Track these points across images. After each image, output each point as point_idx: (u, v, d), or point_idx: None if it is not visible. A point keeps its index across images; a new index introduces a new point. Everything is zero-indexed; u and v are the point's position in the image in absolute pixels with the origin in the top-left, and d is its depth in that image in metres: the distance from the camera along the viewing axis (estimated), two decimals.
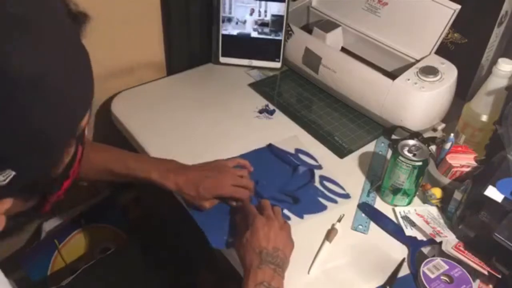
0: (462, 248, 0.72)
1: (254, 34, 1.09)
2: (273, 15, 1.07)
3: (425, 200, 0.82)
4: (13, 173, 0.36)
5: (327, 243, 0.73)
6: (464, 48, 0.96)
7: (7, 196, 0.39)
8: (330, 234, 0.74)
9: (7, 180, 0.36)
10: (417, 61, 0.95)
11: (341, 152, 0.92)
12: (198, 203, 0.77)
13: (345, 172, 0.88)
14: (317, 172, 0.86)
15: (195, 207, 0.78)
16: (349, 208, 0.79)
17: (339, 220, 0.77)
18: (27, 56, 0.35)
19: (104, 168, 0.78)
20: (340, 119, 1.00)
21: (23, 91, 0.35)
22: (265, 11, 1.07)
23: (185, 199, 0.78)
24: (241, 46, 1.11)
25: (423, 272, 0.68)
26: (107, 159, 0.78)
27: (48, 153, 0.39)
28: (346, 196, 0.82)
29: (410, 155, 0.76)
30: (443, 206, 0.80)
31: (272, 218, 0.71)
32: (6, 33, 0.34)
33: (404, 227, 0.77)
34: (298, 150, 0.90)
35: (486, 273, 0.68)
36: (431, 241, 0.75)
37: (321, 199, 0.81)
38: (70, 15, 0.42)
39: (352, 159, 0.91)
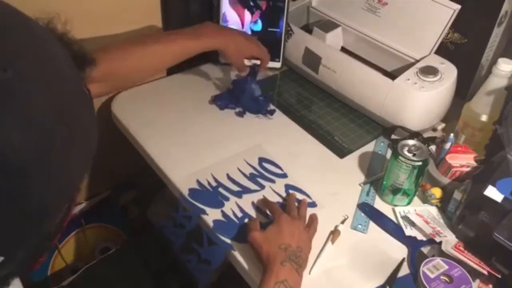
0: (462, 248, 0.72)
1: (254, 34, 1.09)
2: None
3: (425, 200, 0.82)
4: (1, 258, 0.33)
5: (329, 244, 0.73)
6: (464, 48, 0.96)
7: None
8: (333, 235, 0.74)
9: None
10: (417, 61, 0.95)
11: (341, 152, 0.92)
12: (234, 60, 0.96)
13: (345, 172, 0.88)
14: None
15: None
16: (349, 208, 0.79)
17: (342, 222, 0.77)
18: (12, 133, 0.30)
19: (160, 63, 0.90)
20: (340, 119, 1.00)
21: (16, 180, 0.31)
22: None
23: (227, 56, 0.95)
24: None
25: (423, 272, 0.68)
26: (164, 56, 0.88)
27: (44, 230, 0.36)
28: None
29: (410, 155, 0.76)
30: (443, 206, 0.80)
31: (298, 218, 0.72)
32: None
33: (404, 227, 0.77)
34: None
35: (485, 273, 0.68)
36: (431, 241, 0.75)
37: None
38: (75, 60, 0.39)
39: (352, 159, 0.91)
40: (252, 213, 0.78)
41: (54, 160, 0.34)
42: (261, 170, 0.86)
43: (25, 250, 0.36)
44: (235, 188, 0.82)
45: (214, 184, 0.82)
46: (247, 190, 0.82)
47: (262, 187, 0.83)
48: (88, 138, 0.39)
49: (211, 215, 0.77)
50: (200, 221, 0.77)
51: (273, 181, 0.84)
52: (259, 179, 0.84)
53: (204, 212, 0.77)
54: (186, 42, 0.88)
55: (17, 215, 0.33)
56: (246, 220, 0.76)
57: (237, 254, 0.72)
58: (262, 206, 0.79)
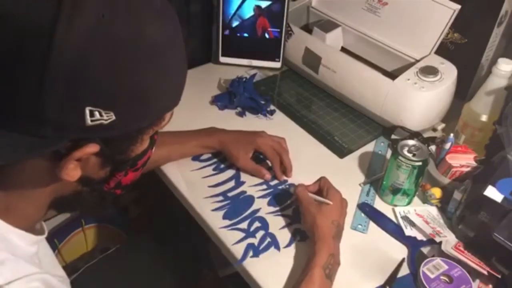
0: (461, 248, 0.72)
1: (254, 34, 1.10)
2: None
3: (425, 200, 0.82)
4: (114, 117, 0.41)
5: None
6: (464, 48, 0.96)
7: (98, 140, 0.43)
8: None
9: (108, 121, 0.41)
10: (417, 61, 0.95)
11: (341, 152, 0.92)
12: (234, 155, 0.83)
13: (345, 172, 0.88)
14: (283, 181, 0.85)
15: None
16: (349, 208, 0.79)
17: None
18: (157, 28, 0.43)
19: (166, 159, 0.86)
20: (340, 119, 1.00)
21: (148, 55, 0.42)
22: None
23: (225, 154, 0.85)
24: (241, 46, 1.11)
25: (423, 272, 0.68)
26: (169, 153, 0.85)
27: (144, 115, 0.45)
28: None
29: (410, 155, 0.76)
30: (442, 206, 0.80)
31: (344, 198, 0.75)
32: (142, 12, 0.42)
33: (403, 227, 0.77)
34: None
35: (485, 273, 0.68)
36: (430, 241, 0.75)
37: None
38: None
39: (352, 159, 0.91)
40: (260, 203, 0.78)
41: (176, 54, 0.46)
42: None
43: (127, 124, 0.44)
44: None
45: None
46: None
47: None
48: (185, 70, 0.50)
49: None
50: None
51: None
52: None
53: None
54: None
55: (137, 81, 0.42)
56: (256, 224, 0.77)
57: (308, 221, 0.72)
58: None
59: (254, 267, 0.70)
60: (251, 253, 0.72)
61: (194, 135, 0.86)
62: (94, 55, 0.38)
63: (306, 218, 0.72)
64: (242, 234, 0.75)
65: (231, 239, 0.74)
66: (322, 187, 0.76)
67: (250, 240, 0.74)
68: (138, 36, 0.41)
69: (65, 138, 0.41)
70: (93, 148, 0.43)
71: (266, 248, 0.73)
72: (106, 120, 0.41)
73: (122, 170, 0.50)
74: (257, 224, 0.76)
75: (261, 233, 0.75)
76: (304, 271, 0.65)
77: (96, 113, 0.40)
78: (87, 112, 0.40)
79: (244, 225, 0.76)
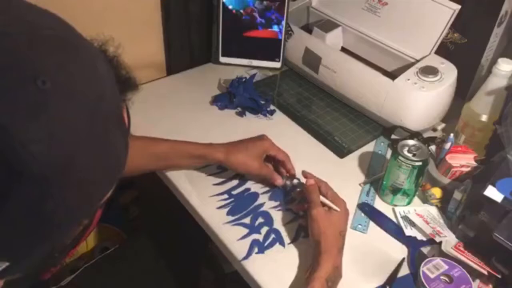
0: (461, 248, 0.72)
1: (254, 34, 1.10)
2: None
3: (425, 200, 0.82)
4: (7, 263, 0.33)
5: None
6: (464, 48, 0.96)
7: None
8: None
9: (1, 269, 0.33)
10: (417, 61, 0.95)
11: (341, 152, 0.92)
12: (249, 164, 0.78)
13: (345, 172, 0.88)
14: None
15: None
16: (349, 208, 0.79)
17: None
18: (42, 145, 0.31)
19: (165, 162, 0.82)
20: (340, 119, 1.00)
21: (33, 186, 0.31)
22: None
23: (235, 166, 0.79)
24: (241, 46, 1.11)
25: (423, 272, 0.68)
26: (170, 154, 0.80)
27: (57, 239, 0.36)
28: None
29: (410, 155, 0.76)
30: (443, 206, 0.80)
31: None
32: (31, 115, 0.30)
33: (403, 227, 0.77)
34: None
35: (485, 273, 0.68)
36: (431, 241, 0.75)
37: None
38: (119, 80, 0.39)
39: (352, 159, 0.91)
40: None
41: (74, 175, 0.33)
42: None
43: (31, 259, 0.35)
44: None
45: None
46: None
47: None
48: (116, 160, 0.38)
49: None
50: None
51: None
52: None
53: None
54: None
55: (29, 222, 0.32)
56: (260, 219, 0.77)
57: (316, 230, 0.71)
58: (314, 189, 0.76)
59: (256, 265, 0.70)
60: (256, 250, 0.72)
61: (194, 148, 0.80)
62: None
63: (314, 224, 0.70)
64: (246, 230, 0.75)
65: (236, 235, 0.74)
66: (325, 193, 0.74)
67: (254, 236, 0.74)
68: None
69: None
70: None
71: (271, 244, 0.73)
72: None
73: (55, 265, 0.43)
74: (260, 219, 0.77)
75: (265, 229, 0.75)
76: (306, 281, 0.64)
77: None
78: None
79: (247, 220, 0.76)
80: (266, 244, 0.73)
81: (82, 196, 0.35)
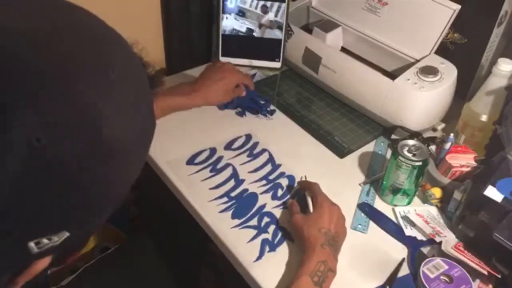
0: (461, 248, 0.72)
1: (254, 34, 1.10)
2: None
3: (425, 200, 0.82)
4: (67, 234, 0.36)
5: None
6: (464, 48, 0.96)
7: (51, 254, 0.38)
8: None
9: (60, 241, 0.36)
10: (417, 61, 0.95)
11: (341, 152, 0.92)
12: (225, 99, 0.97)
13: (345, 172, 0.88)
14: (283, 180, 0.85)
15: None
16: (349, 208, 0.79)
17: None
18: (114, 121, 0.35)
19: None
20: (340, 119, 1.00)
21: (105, 158, 0.35)
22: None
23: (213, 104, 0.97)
24: (241, 46, 1.11)
25: (423, 272, 0.68)
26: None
27: (105, 216, 0.39)
28: None
29: (410, 155, 0.76)
30: (442, 206, 0.80)
31: (336, 204, 0.75)
32: (102, 98, 0.34)
33: (403, 227, 0.77)
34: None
35: (486, 273, 0.68)
36: (430, 241, 0.75)
37: None
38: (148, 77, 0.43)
39: (352, 159, 0.91)
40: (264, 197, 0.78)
41: (131, 152, 0.38)
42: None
43: (87, 232, 0.39)
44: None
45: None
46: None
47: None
48: (148, 146, 0.42)
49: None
50: None
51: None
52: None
53: None
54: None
55: (96, 193, 0.36)
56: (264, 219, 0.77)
57: (297, 230, 0.73)
58: (302, 187, 0.81)
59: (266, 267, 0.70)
60: (267, 248, 0.72)
61: (173, 100, 0.93)
62: (31, 189, 0.32)
63: (293, 231, 0.74)
64: (254, 231, 0.75)
65: (245, 237, 0.74)
66: (312, 195, 0.77)
67: (264, 236, 0.74)
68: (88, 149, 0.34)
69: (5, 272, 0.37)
70: (45, 262, 0.38)
71: (281, 241, 0.74)
72: (57, 240, 0.35)
73: (79, 249, 0.45)
74: (266, 219, 0.77)
75: (272, 227, 0.76)
76: (291, 281, 0.64)
77: (44, 240, 0.34)
78: (31, 245, 0.34)
79: (254, 221, 0.77)
80: (275, 241, 0.74)
81: (131, 174, 0.40)
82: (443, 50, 0.96)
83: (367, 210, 0.80)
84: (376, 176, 0.86)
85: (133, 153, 0.38)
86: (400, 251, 0.74)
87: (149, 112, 0.42)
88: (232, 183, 0.83)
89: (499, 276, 0.68)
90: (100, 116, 0.33)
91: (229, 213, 0.78)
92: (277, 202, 0.80)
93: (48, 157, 0.31)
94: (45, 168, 0.32)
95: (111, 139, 0.34)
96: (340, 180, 0.85)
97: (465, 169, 0.80)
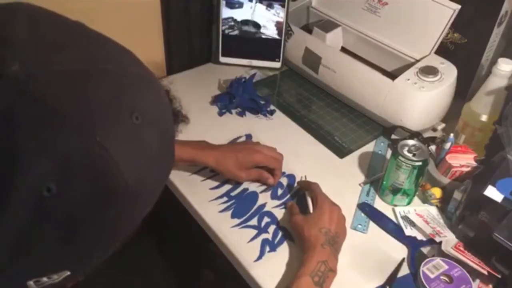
0: (461, 248, 0.72)
1: (254, 34, 1.10)
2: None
3: (425, 200, 0.82)
4: (68, 273, 0.35)
5: None
6: (464, 48, 0.96)
7: None
8: None
9: (60, 279, 0.35)
10: (417, 61, 0.95)
11: (341, 152, 0.92)
12: (236, 174, 0.79)
13: (345, 172, 0.88)
14: (283, 180, 0.85)
15: (233, 180, 0.82)
16: (349, 208, 0.79)
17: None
18: (133, 170, 0.34)
19: None
20: (340, 119, 1.00)
21: (117, 206, 0.34)
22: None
23: (223, 173, 0.80)
24: (241, 46, 1.11)
25: (423, 272, 0.68)
26: None
27: (111, 252, 0.39)
28: None
29: (410, 155, 0.76)
30: (442, 206, 0.80)
31: (336, 204, 0.75)
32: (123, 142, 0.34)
33: (403, 227, 0.77)
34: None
35: (485, 273, 0.68)
36: (430, 241, 0.75)
37: None
38: (173, 113, 0.43)
39: (352, 159, 0.91)
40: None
41: (145, 193, 0.38)
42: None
43: (89, 269, 0.39)
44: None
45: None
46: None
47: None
48: (166, 176, 0.43)
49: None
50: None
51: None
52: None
53: None
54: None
55: (103, 237, 0.36)
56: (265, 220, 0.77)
57: (297, 230, 0.73)
58: (302, 187, 0.81)
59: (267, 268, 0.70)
60: (268, 248, 0.72)
61: (185, 152, 0.80)
62: (37, 236, 0.32)
63: (294, 231, 0.74)
64: (254, 231, 0.75)
65: (245, 237, 0.74)
66: (312, 195, 0.77)
67: (264, 236, 0.74)
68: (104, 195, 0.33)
69: None
70: None
71: (281, 241, 0.74)
72: (56, 278, 0.35)
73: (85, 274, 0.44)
74: (266, 219, 0.77)
75: (272, 227, 0.76)
76: (291, 281, 0.64)
77: (44, 279, 0.34)
78: (31, 283, 0.34)
79: (254, 221, 0.77)
80: (276, 241, 0.74)
81: (143, 213, 0.39)
82: (443, 50, 0.96)
83: (367, 210, 0.80)
84: (376, 176, 0.86)
85: (147, 197, 0.38)
86: (400, 251, 0.74)
87: (170, 151, 0.41)
88: (232, 183, 0.83)
89: (499, 276, 0.68)
90: (114, 164, 0.33)
91: (229, 212, 0.78)
92: (277, 202, 0.80)
93: (57, 206, 0.31)
94: (53, 217, 0.31)
95: (125, 188, 0.34)
96: (340, 180, 0.85)
97: (465, 169, 0.80)
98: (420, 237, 0.75)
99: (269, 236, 0.74)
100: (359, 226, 0.77)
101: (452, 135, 0.84)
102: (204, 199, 0.80)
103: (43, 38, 0.34)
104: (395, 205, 0.81)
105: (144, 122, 0.35)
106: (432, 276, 0.68)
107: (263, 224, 0.76)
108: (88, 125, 0.32)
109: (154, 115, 0.38)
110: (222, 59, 1.12)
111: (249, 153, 0.80)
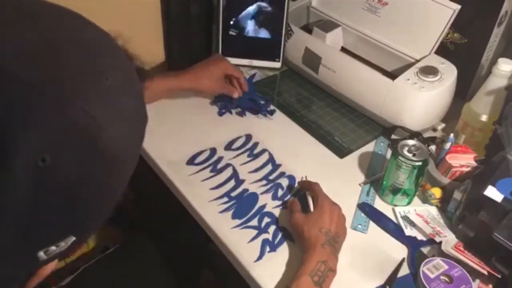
0: (461, 248, 0.72)
1: (254, 34, 1.10)
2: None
3: (425, 200, 0.82)
4: (74, 238, 0.37)
5: None
6: (464, 48, 0.96)
7: (58, 258, 0.39)
8: None
9: (67, 246, 0.37)
10: (417, 61, 0.95)
11: (341, 152, 0.92)
12: (213, 86, 0.95)
13: (345, 172, 0.88)
14: (283, 180, 0.85)
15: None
16: (349, 207, 0.79)
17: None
18: (114, 129, 0.36)
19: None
20: (340, 119, 1.00)
21: (107, 165, 0.36)
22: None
23: (201, 90, 0.96)
24: (241, 46, 1.11)
25: (423, 272, 0.68)
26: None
27: (108, 214, 0.40)
28: None
29: (410, 155, 0.76)
30: (442, 206, 0.80)
31: (337, 204, 0.75)
32: (103, 106, 0.35)
33: (403, 227, 0.77)
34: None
35: (485, 273, 0.68)
36: (430, 241, 0.75)
37: None
38: (136, 70, 0.43)
39: (352, 159, 0.91)
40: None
41: (130, 154, 0.39)
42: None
43: (91, 233, 0.40)
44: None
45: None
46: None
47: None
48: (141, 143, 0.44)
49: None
50: None
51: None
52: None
53: None
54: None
55: (100, 199, 0.37)
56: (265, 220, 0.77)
57: (296, 230, 0.73)
58: (302, 187, 0.82)
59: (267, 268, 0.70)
60: (268, 248, 0.73)
61: (163, 82, 0.92)
62: (42, 201, 0.33)
63: (293, 230, 0.74)
64: (255, 231, 0.75)
65: (245, 237, 0.74)
66: (312, 195, 0.77)
67: (264, 236, 0.74)
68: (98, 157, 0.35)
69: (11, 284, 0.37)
70: (50, 267, 0.40)
71: (281, 241, 0.74)
72: (64, 246, 0.36)
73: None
74: (267, 219, 0.77)
75: (273, 227, 0.76)
76: (291, 281, 0.64)
77: (52, 248, 0.36)
78: (41, 254, 0.35)
79: (254, 222, 0.77)
80: (276, 242, 0.74)
81: (129, 173, 0.41)
82: (443, 50, 0.96)
83: (367, 210, 0.80)
84: (376, 176, 0.86)
85: (132, 155, 0.40)
86: (400, 251, 0.74)
87: (142, 108, 0.42)
88: (232, 183, 0.83)
89: (499, 276, 0.68)
90: (98, 126, 0.34)
91: (230, 213, 0.78)
92: (278, 202, 0.80)
93: (55, 174, 0.32)
94: (53, 185, 0.33)
95: (112, 147, 0.35)
96: (340, 180, 0.85)
97: (465, 169, 0.80)
98: (420, 237, 0.75)
99: (269, 236, 0.75)
100: (359, 226, 0.77)
101: (452, 135, 0.84)
102: (204, 199, 0.80)
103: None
104: (395, 205, 0.81)
105: (117, 83, 0.37)
106: (432, 276, 0.68)
107: (263, 224, 0.76)
108: (67, 93, 0.33)
109: (123, 74, 0.39)
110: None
111: (218, 64, 0.96)
